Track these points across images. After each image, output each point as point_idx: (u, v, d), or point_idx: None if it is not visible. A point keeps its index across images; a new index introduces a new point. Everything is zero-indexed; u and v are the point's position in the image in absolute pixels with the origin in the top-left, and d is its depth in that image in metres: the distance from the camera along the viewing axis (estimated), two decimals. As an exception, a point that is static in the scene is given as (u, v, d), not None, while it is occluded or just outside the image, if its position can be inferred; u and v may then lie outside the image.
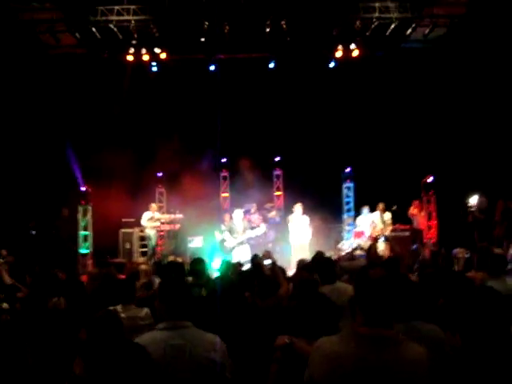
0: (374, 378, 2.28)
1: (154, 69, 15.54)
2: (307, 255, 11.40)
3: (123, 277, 7.46)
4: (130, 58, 14.97)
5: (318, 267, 6.61)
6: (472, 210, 12.92)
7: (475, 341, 3.22)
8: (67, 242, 14.35)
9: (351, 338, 2.40)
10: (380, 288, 2.43)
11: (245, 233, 12.90)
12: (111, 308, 4.62)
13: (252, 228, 13.44)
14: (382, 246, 11.86)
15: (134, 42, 14.71)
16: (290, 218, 13.58)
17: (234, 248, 12.68)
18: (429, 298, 4.61)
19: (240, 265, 8.69)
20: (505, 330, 3.22)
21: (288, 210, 14.67)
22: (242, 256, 11.93)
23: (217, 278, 7.04)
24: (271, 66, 15.49)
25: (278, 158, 16.54)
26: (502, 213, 12.20)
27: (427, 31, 14.39)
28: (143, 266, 8.21)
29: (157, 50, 14.96)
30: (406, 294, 3.24)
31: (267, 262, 8.55)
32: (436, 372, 2.56)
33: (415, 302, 3.35)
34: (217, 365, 2.99)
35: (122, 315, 4.46)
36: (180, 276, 6.17)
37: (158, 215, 14.58)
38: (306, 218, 13.42)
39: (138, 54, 14.97)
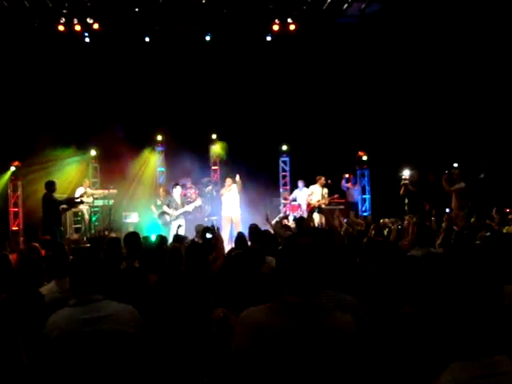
0: (302, 347, 2.20)
1: (87, 40, 14.99)
2: (239, 229, 11.44)
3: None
4: (61, 27, 14.37)
5: (258, 239, 6.64)
6: (405, 182, 13.24)
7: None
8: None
9: (277, 308, 2.30)
10: (307, 255, 2.32)
11: (183, 207, 12.78)
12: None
13: (188, 203, 13.34)
14: (316, 218, 11.95)
15: (65, 11, 14.13)
16: (222, 191, 13.49)
17: (172, 221, 12.52)
18: (357, 267, 4.74)
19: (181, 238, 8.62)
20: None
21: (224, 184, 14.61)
22: (180, 230, 11.83)
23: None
24: (207, 38, 15.23)
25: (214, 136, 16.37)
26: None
27: (363, 6, 14.49)
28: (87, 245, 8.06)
29: (89, 21, 14.44)
30: (333, 262, 3.26)
31: (208, 235, 8.51)
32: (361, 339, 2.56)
33: (340, 271, 3.38)
34: (132, 336, 2.94)
35: (59, 290, 4.33)
36: (91, 251, 6.06)
37: (90, 191, 14.25)
38: (234, 186, 13.24)
39: (69, 24, 14.40)
